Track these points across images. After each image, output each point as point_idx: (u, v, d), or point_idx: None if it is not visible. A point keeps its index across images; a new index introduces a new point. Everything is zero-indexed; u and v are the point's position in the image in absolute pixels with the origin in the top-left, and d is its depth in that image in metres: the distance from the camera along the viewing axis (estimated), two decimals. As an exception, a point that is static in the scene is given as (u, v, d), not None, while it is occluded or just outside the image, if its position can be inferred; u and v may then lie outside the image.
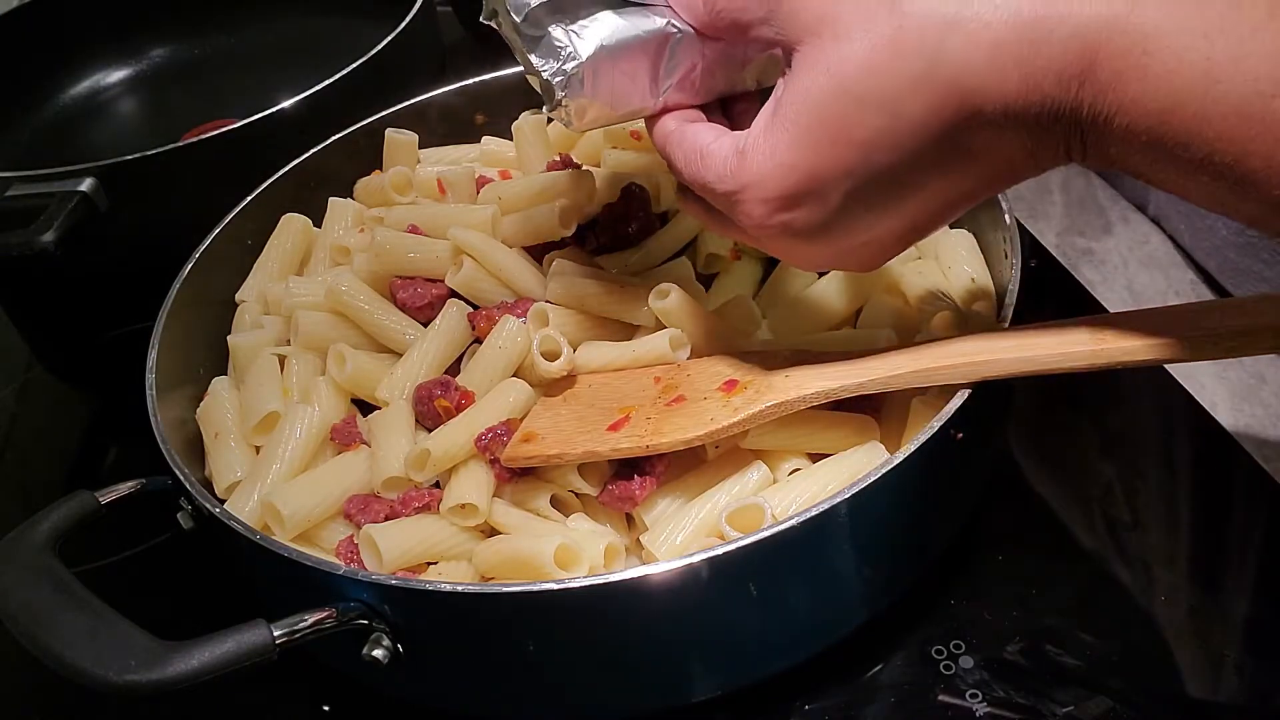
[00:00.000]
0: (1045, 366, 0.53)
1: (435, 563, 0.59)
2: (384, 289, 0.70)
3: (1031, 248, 0.85)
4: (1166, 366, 0.73)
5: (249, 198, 0.77)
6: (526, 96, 0.84)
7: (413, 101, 0.84)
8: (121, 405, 0.68)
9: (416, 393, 0.63)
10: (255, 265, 0.77)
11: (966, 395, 0.54)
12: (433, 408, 0.63)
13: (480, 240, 0.68)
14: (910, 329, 0.66)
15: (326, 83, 0.89)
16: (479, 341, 0.66)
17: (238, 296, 0.76)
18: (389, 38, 0.93)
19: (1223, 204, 0.42)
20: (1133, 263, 0.84)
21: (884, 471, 0.51)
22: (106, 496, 0.60)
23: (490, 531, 0.60)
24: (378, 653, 0.53)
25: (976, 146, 0.44)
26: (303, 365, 0.69)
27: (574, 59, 0.50)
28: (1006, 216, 0.64)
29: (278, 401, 0.66)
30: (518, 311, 0.66)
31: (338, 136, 0.82)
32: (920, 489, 0.56)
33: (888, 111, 0.43)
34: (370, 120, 0.83)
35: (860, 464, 0.57)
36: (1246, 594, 0.61)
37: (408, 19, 0.96)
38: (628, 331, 0.66)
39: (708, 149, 0.50)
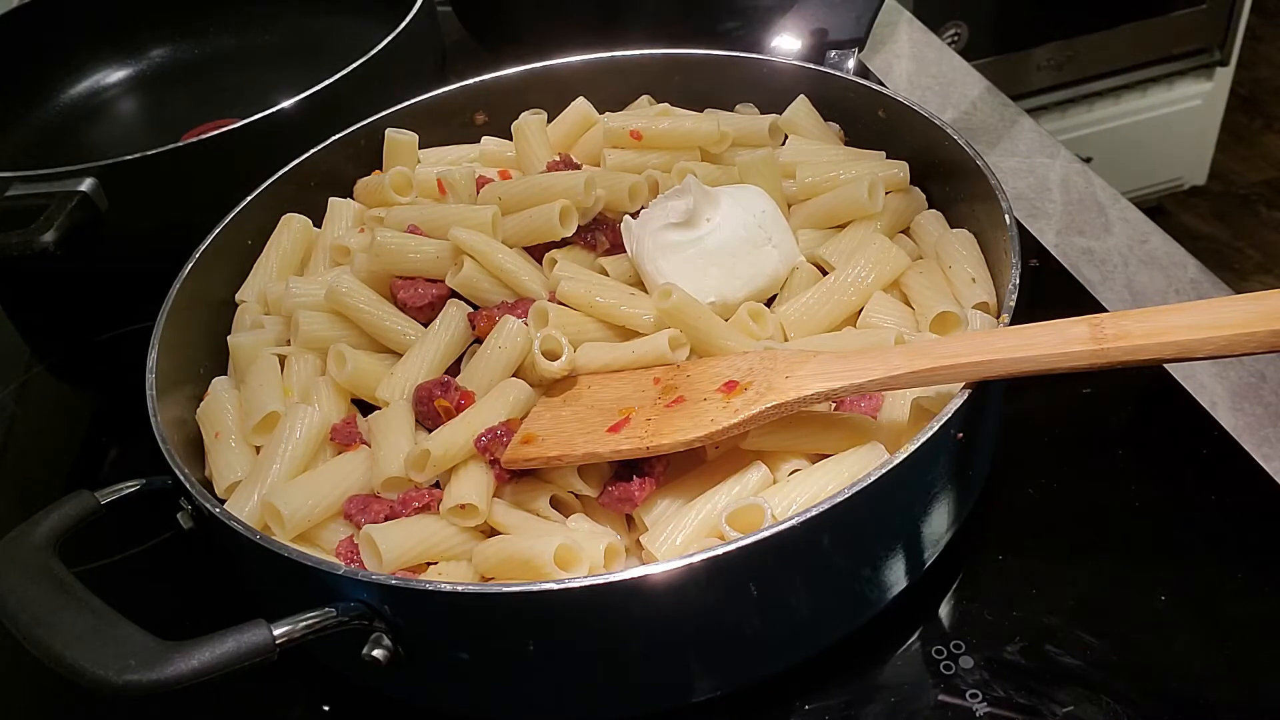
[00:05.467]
0: (1045, 366, 0.53)
1: (435, 563, 0.59)
2: (384, 289, 0.70)
3: (1032, 248, 0.85)
4: (1166, 366, 0.73)
5: (249, 198, 0.77)
6: (526, 96, 0.84)
7: (413, 101, 0.84)
8: (121, 405, 0.68)
9: (416, 393, 0.63)
10: (255, 265, 0.77)
11: (966, 395, 0.54)
12: (433, 408, 0.63)
13: (480, 240, 0.68)
14: (910, 329, 0.66)
15: (326, 83, 0.88)
16: (479, 341, 0.66)
17: (238, 296, 0.76)
18: (389, 38, 0.93)
19: None
20: (1133, 262, 0.84)
21: (884, 471, 0.51)
22: (106, 496, 0.60)
23: (490, 532, 0.60)
24: (378, 653, 0.53)
25: None
26: (303, 365, 0.69)
27: None
28: (1006, 216, 0.64)
29: (278, 401, 0.66)
30: (518, 311, 0.66)
31: (338, 136, 0.82)
32: (920, 489, 0.56)
33: None
34: (370, 120, 0.83)
35: (860, 464, 0.57)
36: (1246, 593, 0.61)
37: (408, 19, 0.96)
38: (627, 332, 0.66)
39: None
